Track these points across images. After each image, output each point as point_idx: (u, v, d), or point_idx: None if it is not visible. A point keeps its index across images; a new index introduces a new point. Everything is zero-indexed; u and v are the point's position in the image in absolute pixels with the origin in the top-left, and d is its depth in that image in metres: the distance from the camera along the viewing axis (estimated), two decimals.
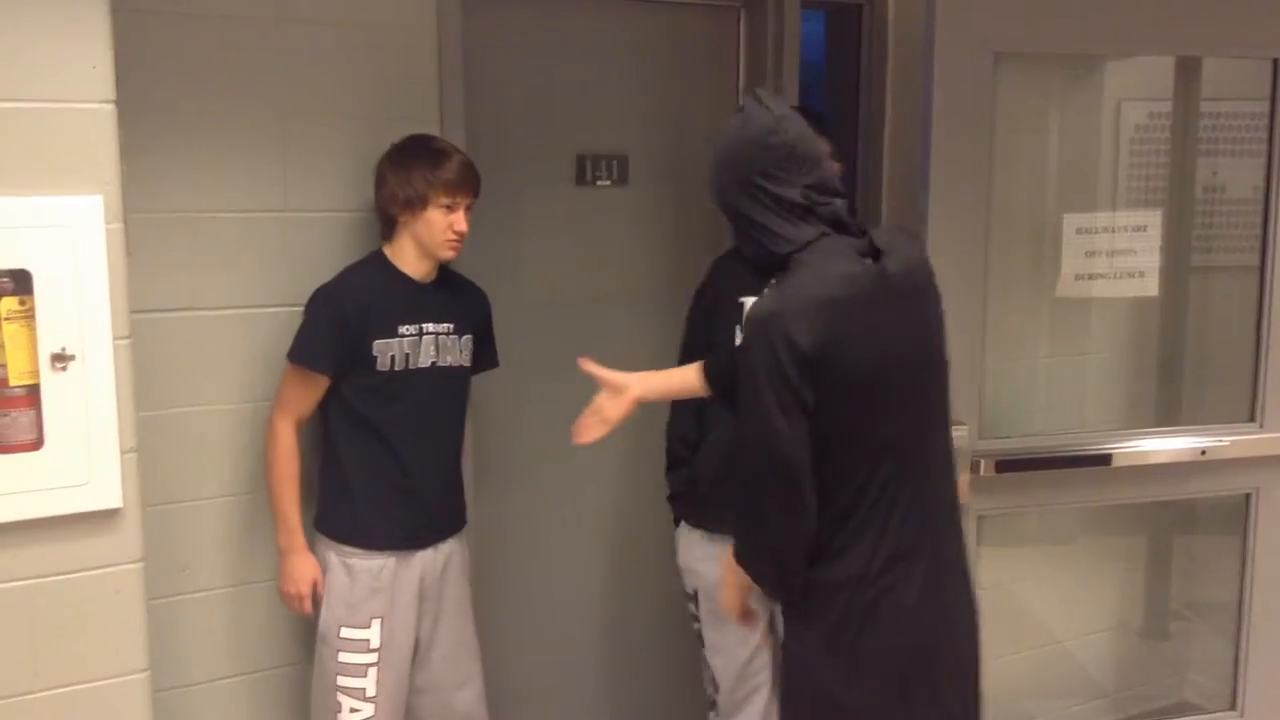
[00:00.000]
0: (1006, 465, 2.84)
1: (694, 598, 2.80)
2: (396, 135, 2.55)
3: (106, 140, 1.96)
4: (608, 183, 3.18)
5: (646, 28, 3.18)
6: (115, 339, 1.99)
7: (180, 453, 2.56)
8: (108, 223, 1.97)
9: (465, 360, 2.63)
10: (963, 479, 2.77)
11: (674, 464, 2.82)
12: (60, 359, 1.95)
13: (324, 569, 2.54)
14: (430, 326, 2.54)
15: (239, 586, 2.67)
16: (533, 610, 3.23)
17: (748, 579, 2.11)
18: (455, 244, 2.53)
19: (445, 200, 2.48)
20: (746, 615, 2.39)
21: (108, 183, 1.97)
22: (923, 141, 2.72)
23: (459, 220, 2.51)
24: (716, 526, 2.63)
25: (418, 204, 2.47)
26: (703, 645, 2.82)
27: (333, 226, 2.68)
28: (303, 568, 2.52)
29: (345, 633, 2.51)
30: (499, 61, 2.98)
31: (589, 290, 3.20)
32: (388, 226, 2.54)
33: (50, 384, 1.95)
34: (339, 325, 2.45)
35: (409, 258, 2.54)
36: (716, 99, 3.29)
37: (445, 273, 2.62)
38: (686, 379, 2.35)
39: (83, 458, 1.98)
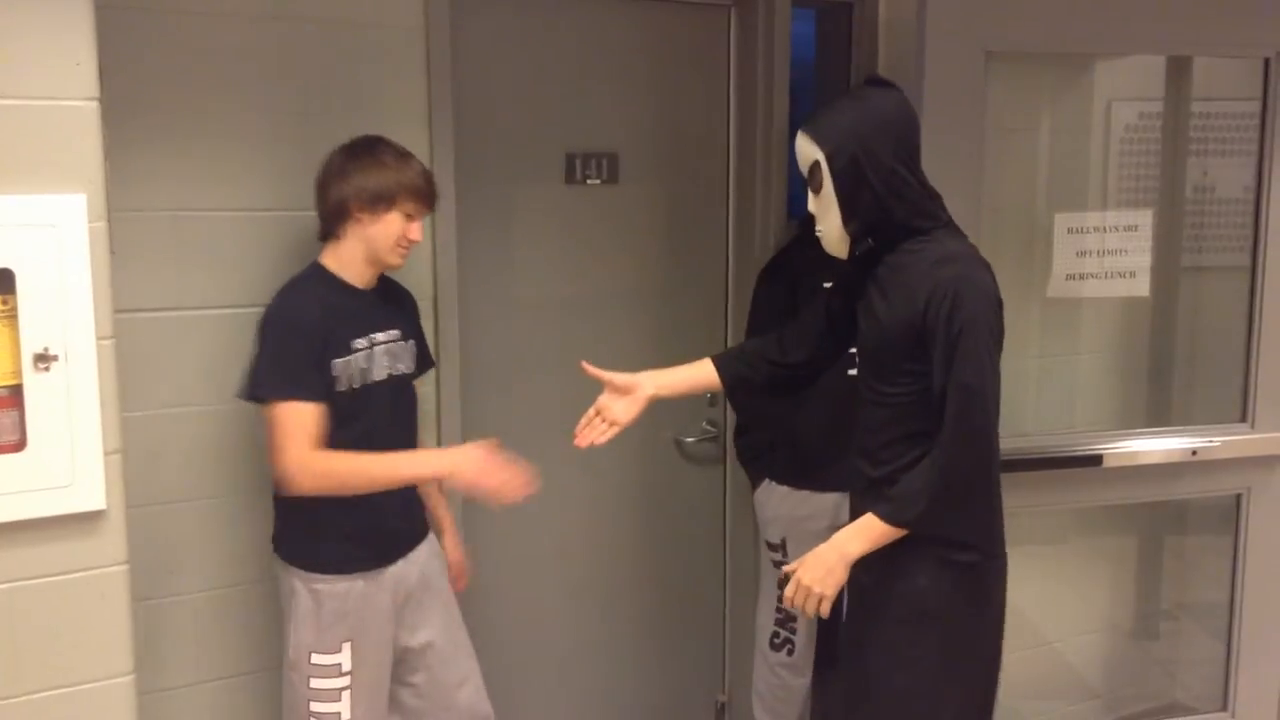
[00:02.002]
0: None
1: (781, 545, 3.01)
2: (386, 133, 2.52)
3: (90, 138, 1.94)
4: (597, 181, 3.16)
5: (636, 26, 3.16)
6: (99, 339, 1.97)
7: (165, 454, 2.54)
8: (91, 221, 1.94)
9: (413, 366, 2.54)
10: None
11: (739, 430, 3.14)
12: (43, 359, 1.93)
13: (289, 594, 2.42)
14: (379, 336, 2.44)
15: (224, 589, 2.65)
16: (525, 609, 3.21)
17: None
18: (406, 252, 2.42)
19: (410, 206, 2.37)
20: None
21: (91, 181, 1.95)
22: None
23: (416, 229, 2.40)
24: (804, 482, 2.92)
25: (381, 204, 2.35)
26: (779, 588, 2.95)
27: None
28: (472, 452, 2.33)
29: (315, 659, 2.40)
30: (488, 59, 2.96)
31: (579, 289, 3.18)
32: (335, 226, 2.39)
33: (33, 384, 1.92)
34: (307, 346, 2.31)
35: (355, 264, 2.40)
36: (706, 97, 3.28)
37: (381, 278, 2.50)
38: (701, 374, 2.44)
39: (66, 459, 1.96)
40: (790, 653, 3.09)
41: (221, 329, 2.57)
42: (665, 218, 3.26)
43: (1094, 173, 3.36)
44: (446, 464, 2.38)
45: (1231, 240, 3.18)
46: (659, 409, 3.26)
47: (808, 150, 2.16)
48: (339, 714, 2.44)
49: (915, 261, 2.11)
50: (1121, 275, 3.15)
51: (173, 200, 2.50)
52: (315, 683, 2.42)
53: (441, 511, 2.72)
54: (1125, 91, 3.34)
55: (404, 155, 2.40)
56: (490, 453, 2.32)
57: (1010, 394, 3.06)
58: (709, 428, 3.37)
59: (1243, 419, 3.10)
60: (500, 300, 3.06)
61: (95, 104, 1.95)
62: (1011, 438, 2.95)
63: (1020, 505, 2.97)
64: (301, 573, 2.41)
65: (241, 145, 2.55)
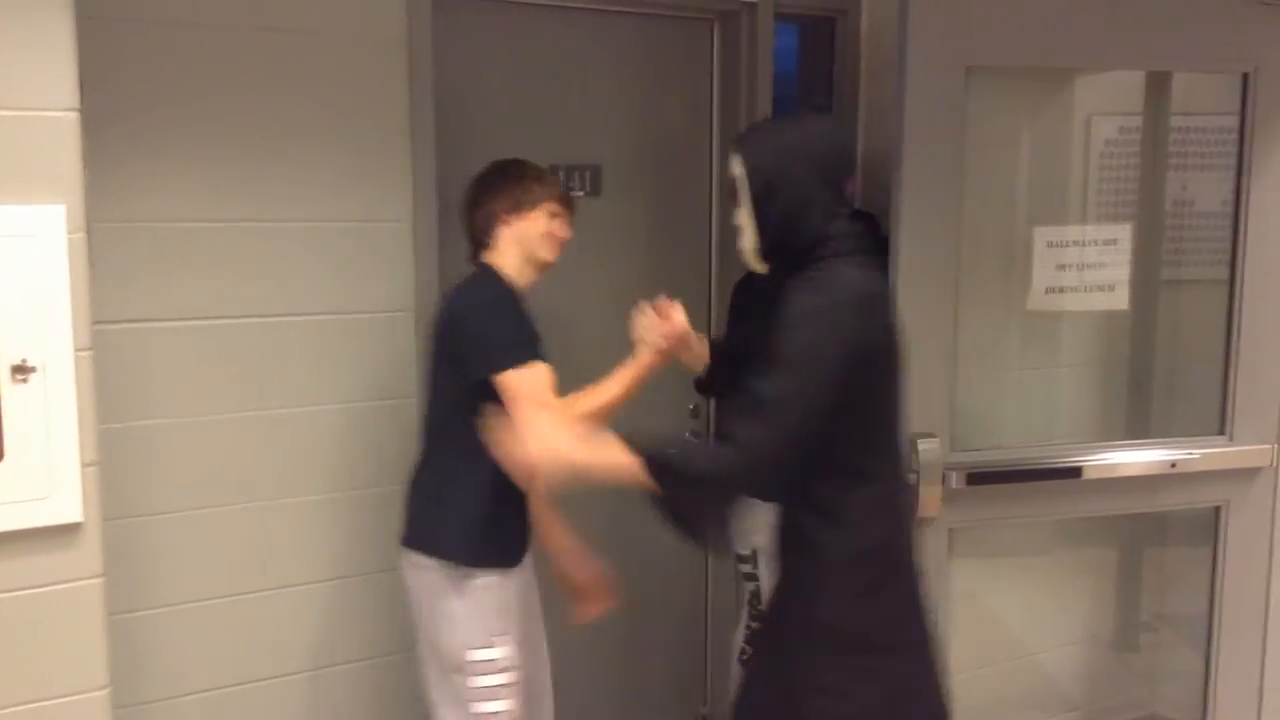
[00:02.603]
0: (978, 478, 2.84)
1: (752, 557, 3.10)
2: (366, 145, 2.54)
3: (69, 149, 1.94)
4: (581, 193, 3.17)
5: (620, 38, 3.17)
6: (77, 350, 1.96)
7: (143, 466, 2.53)
8: (70, 232, 1.94)
9: None
10: (934, 491, 2.78)
11: None
12: (21, 370, 1.92)
13: (436, 594, 2.45)
14: None
15: (204, 602, 2.64)
16: None
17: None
18: (557, 247, 2.55)
19: (552, 206, 2.52)
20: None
21: (70, 192, 1.94)
22: (894, 154, 2.73)
23: (561, 226, 2.55)
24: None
25: (525, 205, 2.49)
26: (755, 601, 3.09)
27: (304, 236, 2.66)
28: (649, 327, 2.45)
29: (472, 655, 2.45)
30: (471, 71, 2.97)
31: (562, 300, 3.18)
32: (486, 236, 2.52)
33: (10, 396, 1.92)
34: (526, 316, 2.43)
35: (513, 264, 2.51)
36: (690, 110, 3.29)
37: None
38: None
39: (43, 471, 1.95)
40: None
41: (202, 341, 2.56)
42: (648, 229, 3.27)
43: (1074, 187, 3.37)
44: (642, 357, 2.45)
45: (1210, 254, 3.19)
46: (641, 420, 3.28)
47: (733, 165, 2.19)
48: (503, 712, 2.46)
49: (794, 290, 2.07)
50: (1101, 289, 3.17)
51: (153, 211, 2.49)
52: (479, 681, 2.45)
53: (556, 534, 2.74)
54: (1105, 106, 3.35)
55: (540, 168, 2.57)
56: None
57: (991, 406, 3.09)
58: (691, 440, 3.37)
59: (1221, 431, 3.11)
60: None
61: (75, 115, 1.94)
62: (991, 450, 2.97)
63: (1000, 517, 2.99)
64: (451, 568, 2.43)
65: (222, 156, 2.55)
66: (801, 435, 1.98)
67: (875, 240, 2.26)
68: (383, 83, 2.71)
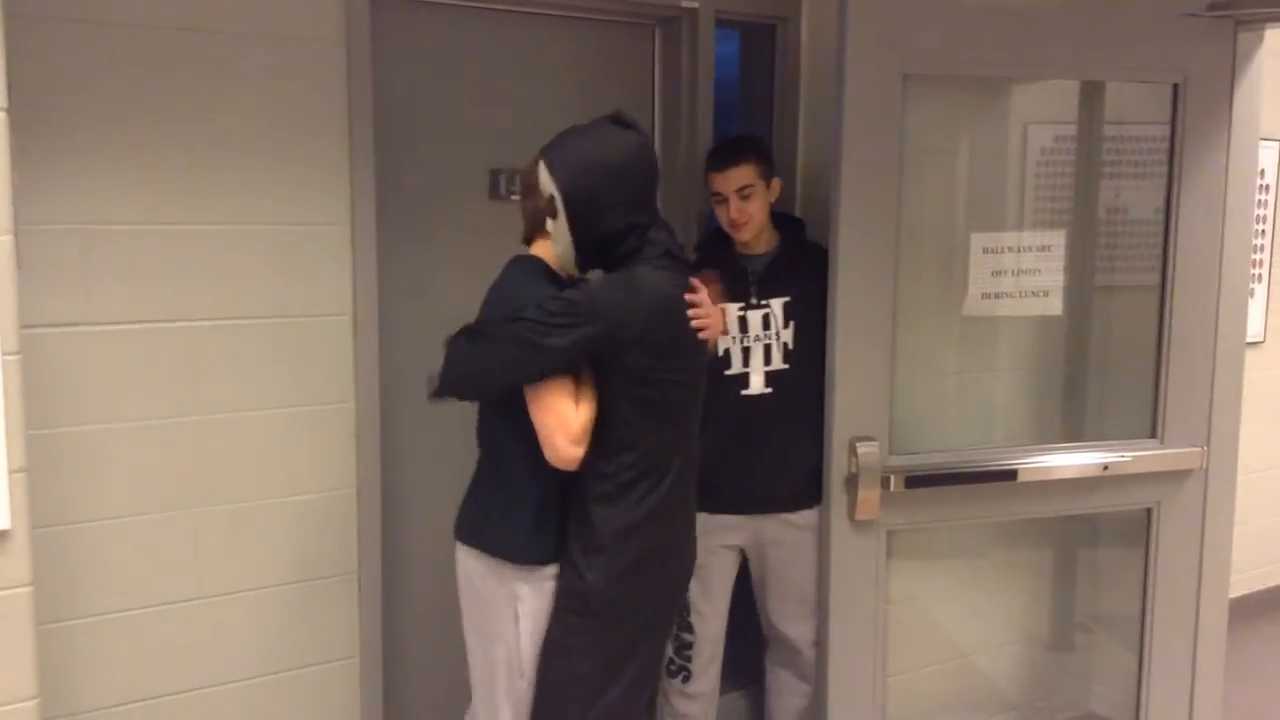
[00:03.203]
0: (916, 480, 2.87)
1: None
2: (303, 148, 2.51)
3: None
4: (520, 197, 3.15)
5: (561, 42, 3.17)
6: (4, 354, 1.93)
7: (73, 473, 2.49)
8: None
9: None
10: (872, 494, 2.80)
11: None
12: None
13: (516, 600, 2.40)
14: None
15: (136, 611, 2.60)
16: (447, 625, 3.18)
17: None
18: None
19: None
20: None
21: None
22: (833, 160, 2.76)
23: None
24: (700, 503, 2.78)
25: None
26: (686, 614, 3.07)
27: (238, 240, 2.63)
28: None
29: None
30: (410, 73, 2.95)
31: None
32: (541, 225, 2.47)
33: None
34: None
35: (562, 256, 2.46)
36: (631, 114, 3.29)
37: None
38: None
39: None
40: (686, 679, 3.10)
41: (133, 345, 2.52)
42: None
43: (1011, 194, 3.42)
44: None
45: (1142, 260, 3.25)
46: None
47: (544, 180, 2.39)
48: None
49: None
50: (1035, 294, 3.21)
51: (83, 214, 2.45)
52: None
53: None
54: (1042, 115, 3.40)
55: None
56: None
57: (929, 410, 3.12)
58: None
59: (1153, 435, 3.17)
60: (422, 318, 3.04)
61: (3, 115, 1.91)
62: (929, 453, 3.00)
63: (938, 519, 3.02)
64: (525, 570, 2.39)
65: (156, 159, 2.51)
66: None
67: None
68: (320, 85, 2.69)
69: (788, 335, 2.96)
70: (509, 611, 2.41)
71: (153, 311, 2.53)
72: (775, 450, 2.97)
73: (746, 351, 2.96)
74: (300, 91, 2.66)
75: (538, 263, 2.46)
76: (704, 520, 2.85)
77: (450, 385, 2.44)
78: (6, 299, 1.93)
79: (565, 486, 2.41)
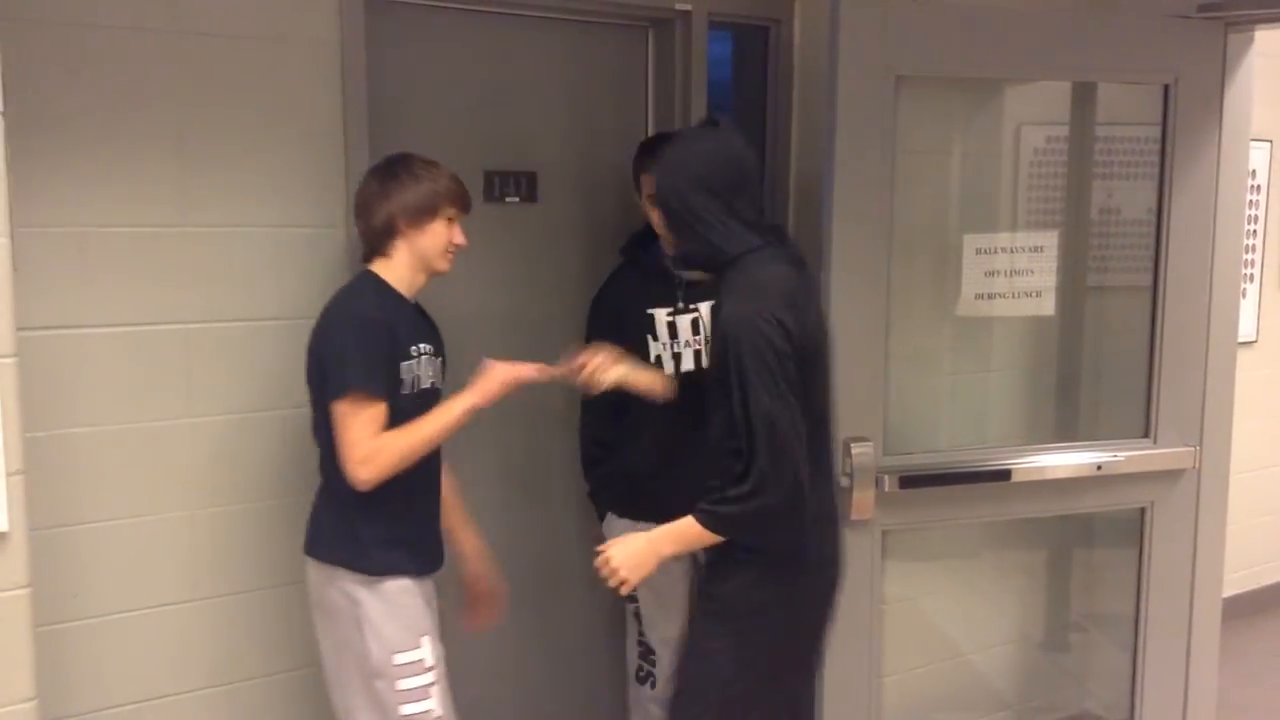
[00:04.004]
0: (910, 481, 2.88)
1: None
2: (299, 151, 2.51)
3: None
4: (516, 199, 3.17)
5: (555, 45, 3.18)
6: (0, 357, 1.93)
7: (71, 475, 2.49)
8: None
9: (440, 382, 2.57)
10: (868, 495, 2.81)
11: (593, 463, 3.09)
12: None
13: (351, 604, 2.42)
14: (424, 346, 2.49)
15: (132, 612, 2.60)
16: (452, 625, 3.18)
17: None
18: (454, 257, 2.52)
19: (451, 212, 2.47)
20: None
21: None
22: (825, 161, 2.76)
23: (459, 233, 2.50)
24: (645, 515, 2.77)
25: (425, 215, 2.44)
26: (640, 624, 3.06)
27: (233, 243, 2.63)
28: (498, 371, 2.45)
29: (399, 659, 2.42)
30: (405, 76, 2.96)
31: (496, 307, 3.18)
32: (384, 244, 2.46)
33: None
34: (381, 343, 2.37)
35: (404, 275, 2.47)
36: (625, 116, 3.31)
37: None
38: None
39: None
40: (653, 686, 3.10)
41: (128, 347, 2.53)
42: (584, 236, 3.28)
43: (1004, 195, 3.43)
44: (478, 391, 2.43)
45: (1134, 261, 3.26)
46: (578, 426, 3.28)
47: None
48: (431, 711, 2.45)
49: (723, 293, 2.31)
50: (1028, 295, 3.23)
51: (80, 216, 2.45)
52: (403, 684, 2.43)
53: (470, 538, 2.74)
54: (1034, 116, 3.42)
55: (432, 164, 2.49)
56: (499, 364, 2.45)
57: (923, 411, 3.13)
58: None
59: (1146, 434, 3.18)
60: None
61: None
62: (923, 453, 3.01)
63: (932, 519, 3.03)
64: (365, 577, 2.41)
65: (151, 161, 2.52)
66: (794, 435, 2.19)
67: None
68: (315, 88, 2.69)
69: None
70: (351, 618, 2.42)
71: (148, 314, 2.53)
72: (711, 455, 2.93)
73: (677, 358, 2.90)
74: (296, 95, 2.67)
75: (369, 278, 2.46)
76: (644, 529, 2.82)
77: None
78: (3, 301, 1.93)
79: (409, 496, 2.44)
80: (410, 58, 2.96)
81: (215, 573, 2.69)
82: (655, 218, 2.82)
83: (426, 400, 2.48)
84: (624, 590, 2.33)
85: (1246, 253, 4.60)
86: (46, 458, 2.41)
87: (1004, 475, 3.02)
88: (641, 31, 3.30)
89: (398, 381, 2.40)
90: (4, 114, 1.93)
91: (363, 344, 2.35)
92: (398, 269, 2.47)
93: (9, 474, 1.96)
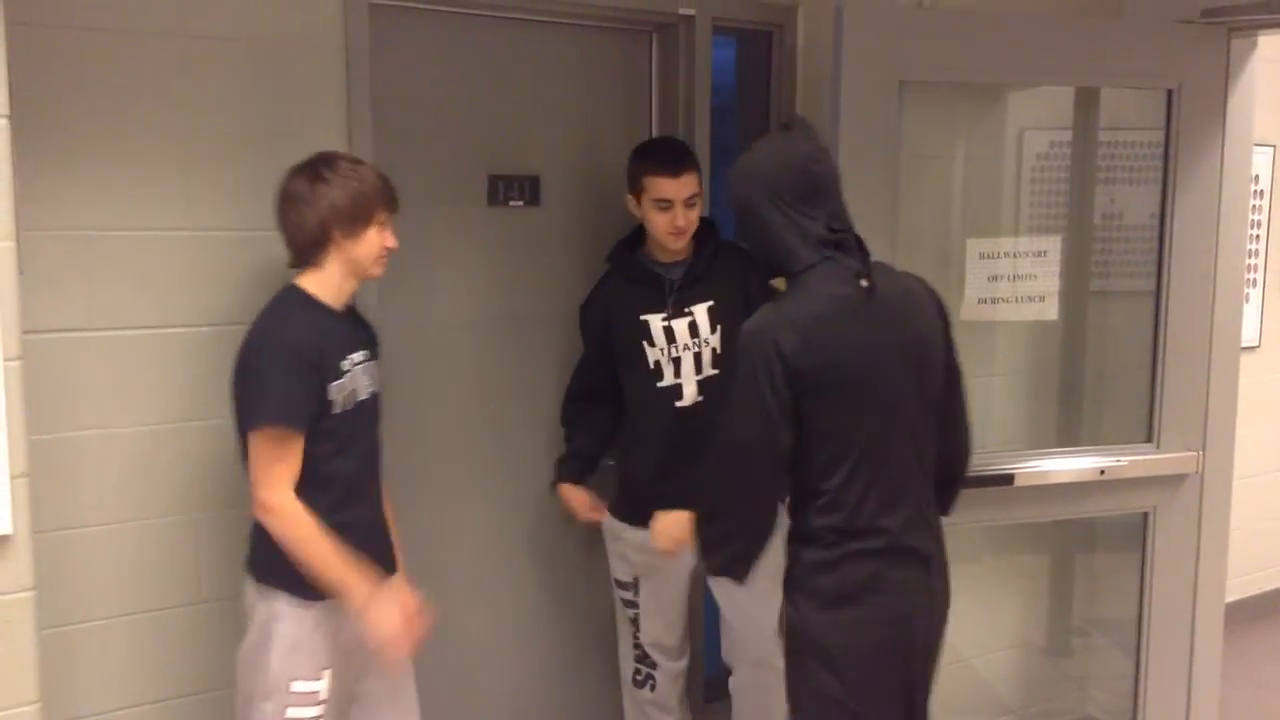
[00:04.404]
0: None
1: (633, 584, 3.03)
2: (304, 154, 2.50)
3: None
4: (520, 203, 3.17)
5: (559, 48, 3.19)
6: (5, 360, 1.94)
7: (75, 478, 2.49)
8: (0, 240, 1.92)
9: (380, 385, 2.49)
10: None
11: (566, 424, 3.12)
12: None
13: (269, 619, 2.32)
14: (356, 356, 2.38)
15: (136, 615, 2.60)
16: (445, 627, 3.18)
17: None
18: (386, 261, 2.42)
19: (382, 215, 2.36)
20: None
21: (0, 199, 1.91)
22: None
23: (390, 236, 2.40)
24: (642, 520, 2.82)
25: (360, 223, 2.32)
26: (635, 629, 3.06)
27: (236, 245, 2.64)
28: (392, 600, 2.32)
29: (296, 686, 2.31)
30: (409, 80, 2.96)
31: (500, 311, 3.19)
32: (315, 254, 2.34)
33: None
34: (307, 372, 2.25)
35: (333, 284, 2.36)
36: (629, 121, 3.31)
37: None
38: None
39: None
40: (653, 689, 3.10)
41: (135, 350, 2.53)
42: (587, 240, 3.28)
43: (1006, 199, 3.44)
44: (372, 610, 2.28)
45: (1137, 265, 3.26)
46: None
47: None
48: None
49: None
50: (1031, 299, 3.23)
51: (85, 219, 2.46)
52: (292, 712, 2.31)
53: (397, 551, 2.62)
54: (1037, 121, 3.42)
55: (358, 164, 2.38)
56: (410, 621, 2.32)
57: None
58: None
59: (1149, 439, 3.18)
60: (421, 322, 3.05)
61: (5, 121, 1.92)
62: None
63: None
64: (289, 596, 2.31)
65: (156, 164, 2.52)
66: (757, 461, 2.19)
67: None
68: (319, 92, 2.70)
69: (715, 340, 2.87)
70: (264, 632, 2.33)
71: (153, 317, 2.53)
72: None
73: (676, 362, 2.88)
74: (299, 98, 2.67)
75: (296, 296, 2.35)
76: (645, 534, 2.82)
77: None
78: (9, 304, 1.93)
79: (342, 529, 2.29)
80: (414, 61, 2.97)
81: (218, 577, 2.69)
82: (659, 221, 2.82)
83: (365, 411, 2.40)
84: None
85: (1249, 257, 4.60)
86: (53, 461, 2.42)
87: (1007, 480, 3.02)
88: (645, 36, 3.31)
89: (327, 404, 2.29)
90: (9, 117, 1.93)
91: (283, 375, 2.24)
92: (328, 281, 2.35)
93: (14, 477, 1.96)
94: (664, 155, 2.85)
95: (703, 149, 3.22)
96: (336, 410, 2.31)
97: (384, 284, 2.84)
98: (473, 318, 3.14)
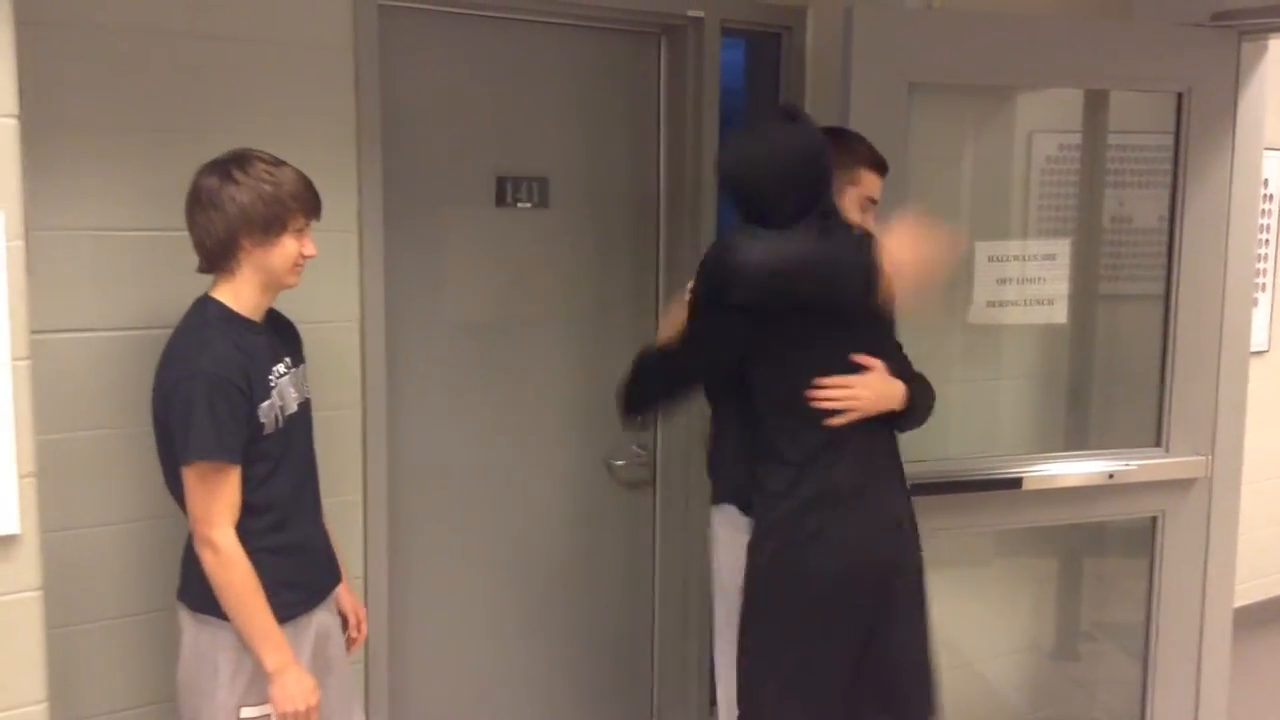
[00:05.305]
0: (920, 488, 2.85)
1: None
2: (312, 156, 2.49)
3: (8, 155, 1.92)
4: (528, 205, 3.17)
5: (568, 51, 3.19)
6: (14, 359, 1.94)
7: (82, 477, 2.48)
8: (8, 240, 1.91)
9: (308, 390, 2.39)
10: None
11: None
12: None
13: (210, 649, 2.23)
14: (280, 368, 2.27)
15: (142, 615, 2.60)
16: (452, 629, 3.19)
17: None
18: (302, 269, 2.27)
19: (299, 222, 2.22)
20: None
21: (9, 199, 1.92)
22: None
23: (309, 245, 2.25)
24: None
25: (272, 231, 2.18)
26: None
27: None
28: (304, 681, 2.20)
29: (245, 713, 2.22)
30: (418, 81, 2.96)
31: (509, 313, 3.18)
32: (225, 262, 2.20)
33: None
34: (237, 401, 2.15)
35: (252, 296, 2.23)
36: (637, 123, 3.31)
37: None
38: None
39: None
40: None
41: (143, 350, 2.52)
42: (596, 242, 3.28)
43: (1015, 202, 3.43)
44: (278, 681, 2.19)
45: (1147, 269, 3.26)
46: (589, 431, 3.29)
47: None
48: None
49: None
50: (1040, 303, 3.23)
51: (94, 219, 2.46)
52: None
53: (339, 559, 2.54)
54: (1046, 124, 3.42)
55: (278, 165, 2.22)
56: (311, 698, 2.23)
57: (934, 418, 3.12)
58: (639, 450, 3.38)
59: (1157, 443, 3.18)
60: (429, 324, 3.05)
61: (14, 121, 1.92)
62: (934, 461, 3.00)
63: (942, 527, 3.02)
64: (228, 624, 2.20)
65: (164, 165, 2.51)
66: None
67: None
68: (328, 93, 2.70)
69: None
70: (210, 664, 2.23)
71: (159, 317, 2.52)
72: None
73: None
74: (308, 99, 2.67)
75: (213, 310, 2.22)
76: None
77: None
78: (18, 304, 1.94)
79: (279, 552, 2.24)
80: (423, 63, 2.97)
81: None
82: (858, 221, 2.64)
83: (296, 425, 2.30)
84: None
85: (1259, 262, 4.60)
86: (61, 460, 2.42)
87: (1015, 483, 3.02)
88: (654, 38, 3.31)
89: (259, 426, 2.19)
90: (18, 117, 1.93)
91: (209, 407, 2.11)
92: (242, 290, 2.22)
93: (21, 476, 1.96)
94: (875, 151, 2.66)
95: (711, 151, 3.22)
96: (268, 431, 2.22)
97: (389, 286, 2.85)
98: (480, 319, 3.14)
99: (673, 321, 2.49)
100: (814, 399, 2.34)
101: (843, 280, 2.32)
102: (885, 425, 2.46)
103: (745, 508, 2.52)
